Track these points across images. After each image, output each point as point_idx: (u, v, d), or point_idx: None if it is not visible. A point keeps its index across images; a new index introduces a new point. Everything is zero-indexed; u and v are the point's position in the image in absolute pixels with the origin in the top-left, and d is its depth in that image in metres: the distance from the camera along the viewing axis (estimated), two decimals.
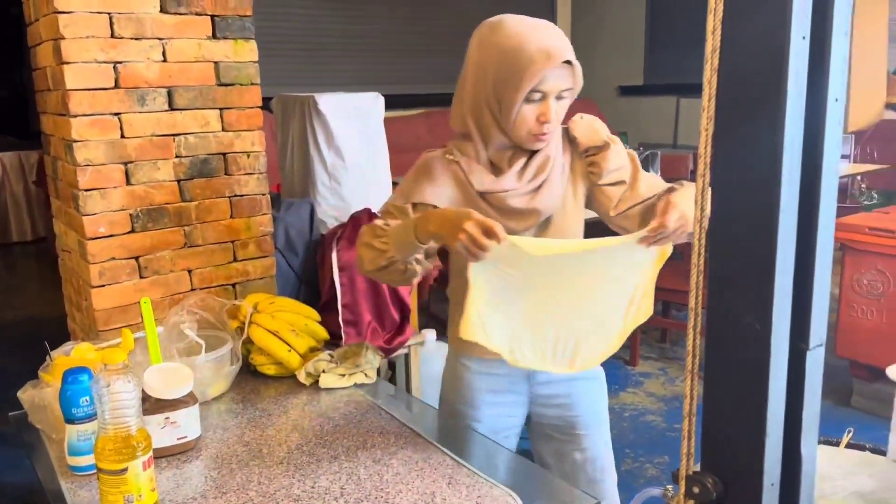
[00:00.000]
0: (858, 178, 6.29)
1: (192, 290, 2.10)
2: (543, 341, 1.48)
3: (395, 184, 5.80)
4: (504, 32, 1.43)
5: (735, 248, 0.83)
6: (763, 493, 0.85)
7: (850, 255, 3.20)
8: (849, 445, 1.62)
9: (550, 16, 8.04)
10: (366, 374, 1.81)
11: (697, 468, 0.89)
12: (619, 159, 1.55)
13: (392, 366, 3.18)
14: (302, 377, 1.80)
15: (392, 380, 3.18)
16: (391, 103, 6.81)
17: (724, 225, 0.84)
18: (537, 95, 1.42)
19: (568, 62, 1.41)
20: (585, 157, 1.56)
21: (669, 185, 1.55)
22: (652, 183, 1.57)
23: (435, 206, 1.49)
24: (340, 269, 2.76)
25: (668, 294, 3.79)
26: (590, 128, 1.56)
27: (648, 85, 8.14)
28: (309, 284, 2.88)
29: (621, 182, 1.55)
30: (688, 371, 0.89)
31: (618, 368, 3.88)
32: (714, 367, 0.87)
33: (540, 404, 1.71)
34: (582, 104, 7.76)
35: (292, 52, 6.25)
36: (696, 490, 0.87)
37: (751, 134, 0.79)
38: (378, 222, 1.53)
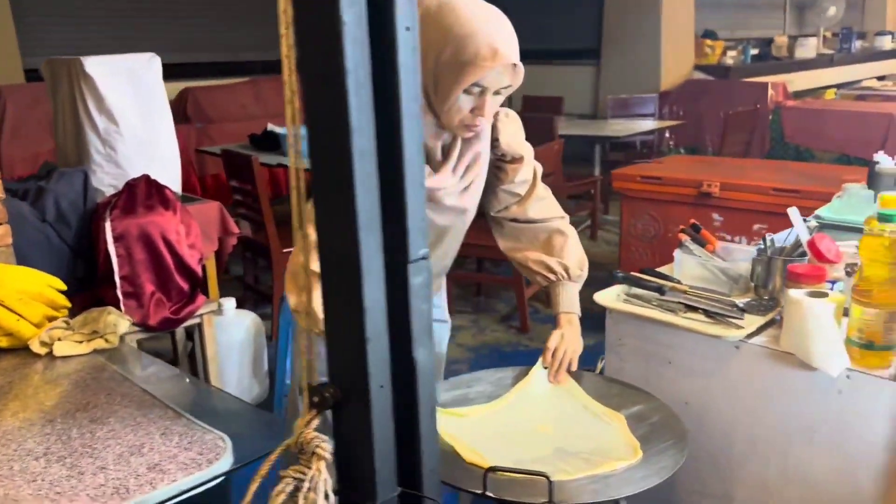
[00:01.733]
0: (667, 135, 6.74)
1: None
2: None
3: (203, 152, 5.56)
4: (456, 14, 1.37)
5: (327, 183, 0.87)
6: (372, 395, 0.90)
7: (626, 202, 3.44)
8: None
9: None
10: (106, 340, 1.77)
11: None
12: (526, 174, 1.63)
13: (191, 335, 3.12)
14: (35, 346, 1.73)
15: (193, 350, 3.12)
16: (216, 72, 6.54)
17: (317, 164, 0.87)
18: (477, 89, 1.39)
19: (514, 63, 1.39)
20: (497, 160, 1.60)
21: (556, 217, 1.71)
22: (542, 207, 1.68)
23: None
24: (115, 240, 2.65)
25: (482, 250, 3.92)
26: (514, 135, 1.60)
27: None
28: (84, 258, 2.76)
29: (517, 195, 1.65)
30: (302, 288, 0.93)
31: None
32: (327, 285, 0.92)
33: None
34: None
35: (104, 18, 5.89)
36: (316, 399, 0.92)
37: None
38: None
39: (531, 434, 1.46)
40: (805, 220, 2.11)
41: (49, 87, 3.00)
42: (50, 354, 1.73)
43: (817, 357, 1.47)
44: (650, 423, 1.48)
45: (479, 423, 1.48)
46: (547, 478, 1.18)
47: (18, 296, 1.75)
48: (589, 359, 1.72)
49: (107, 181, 2.89)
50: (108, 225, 2.65)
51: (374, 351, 0.90)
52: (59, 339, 1.73)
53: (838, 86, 8.09)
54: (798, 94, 7.28)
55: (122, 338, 1.82)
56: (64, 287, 1.92)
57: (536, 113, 5.73)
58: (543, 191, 1.72)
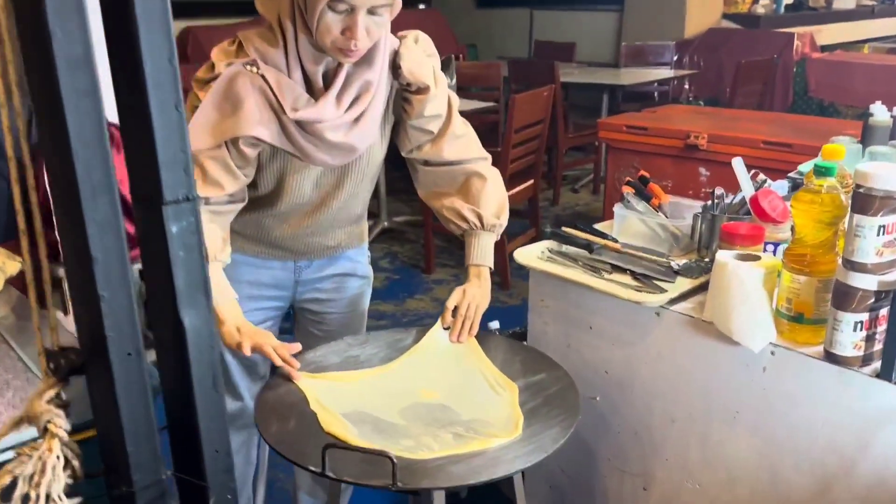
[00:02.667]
0: (686, 86, 6.40)
1: None
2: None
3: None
4: None
5: (39, 98, 0.72)
6: (114, 363, 0.77)
7: (612, 153, 3.23)
8: None
9: None
10: None
11: None
12: (437, 107, 1.44)
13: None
14: None
15: None
16: (218, 10, 6.34)
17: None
18: (343, 6, 1.23)
19: None
20: (402, 91, 1.42)
21: (475, 158, 1.53)
22: (459, 147, 1.50)
23: (256, 139, 1.31)
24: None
25: None
26: (417, 62, 1.40)
27: None
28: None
29: (429, 132, 1.47)
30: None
31: (412, 276, 3.85)
32: (66, 248, 0.77)
33: (303, 300, 1.67)
34: (430, 16, 7.55)
35: None
36: (52, 366, 0.79)
37: None
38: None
39: (412, 401, 1.32)
40: (790, 177, 1.91)
41: None
42: None
43: (738, 329, 1.29)
44: (547, 394, 1.32)
45: (358, 390, 1.34)
46: (390, 458, 1.04)
47: None
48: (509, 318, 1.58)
49: None
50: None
51: (112, 310, 0.75)
52: None
53: (877, 39, 7.61)
54: (830, 48, 6.85)
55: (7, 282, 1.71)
56: None
57: (547, 59, 5.47)
58: (461, 127, 1.53)
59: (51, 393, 0.78)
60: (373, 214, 4.46)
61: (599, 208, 4.83)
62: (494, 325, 2.33)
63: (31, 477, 0.75)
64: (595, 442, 1.61)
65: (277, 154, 1.40)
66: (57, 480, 0.76)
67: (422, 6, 7.83)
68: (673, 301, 1.45)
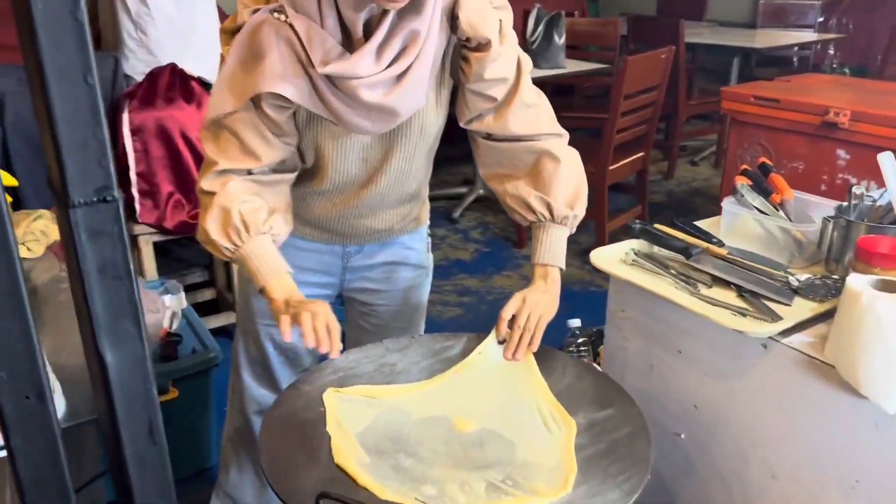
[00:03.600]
0: (831, 51, 5.75)
1: None
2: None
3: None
4: None
5: None
6: (12, 407, 0.60)
7: (735, 127, 2.83)
8: None
9: None
10: (28, 248, 1.56)
11: None
12: (501, 69, 1.20)
13: None
14: None
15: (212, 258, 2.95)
16: None
17: None
18: None
19: None
20: (461, 49, 1.20)
21: (547, 134, 1.28)
22: (528, 119, 1.25)
23: (279, 98, 1.11)
24: (132, 134, 2.46)
25: None
26: (479, 12, 1.17)
27: None
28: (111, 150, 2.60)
29: (491, 98, 1.23)
30: None
31: (503, 250, 3.61)
32: None
33: (352, 289, 1.49)
34: None
35: None
36: None
37: None
38: (216, 169, 1.18)
39: (444, 431, 1.10)
40: None
41: None
42: None
43: (868, 380, 0.99)
44: (612, 438, 1.07)
45: (387, 410, 1.14)
46: None
47: None
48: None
49: (139, 68, 2.69)
50: (125, 117, 2.45)
51: (4, 345, 0.58)
52: None
53: None
54: None
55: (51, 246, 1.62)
56: (14, 183, 1.73)
57: (673, 17, 4.99)
58: (531, 96, 1.27)
59: None
60: (468, 181, 4.23)
61: (719, 185, 4.40)
62: (574, 322, 2.08)
63: None
64: (675, 484, 1.34)
65: (313, 119, 1.20)
66: None
67: None
68: (787, 332, 1.15)
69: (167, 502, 0.69)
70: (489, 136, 1.30)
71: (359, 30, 1.11)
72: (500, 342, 1.25)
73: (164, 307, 2.12)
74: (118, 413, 0.64)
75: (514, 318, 1.25)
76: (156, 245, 2.59)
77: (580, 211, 1.31)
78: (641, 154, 3.52)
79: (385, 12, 1.10)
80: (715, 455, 1.27)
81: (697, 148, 5.06)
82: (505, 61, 1.22)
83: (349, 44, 1.12)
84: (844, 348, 1.03)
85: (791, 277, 1.28)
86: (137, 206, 2.49)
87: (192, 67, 2.58)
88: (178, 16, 2.68)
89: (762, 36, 4.97)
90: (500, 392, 1.18)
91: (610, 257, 1.38)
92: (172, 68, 2.56)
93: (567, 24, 4.31)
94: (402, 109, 1.15)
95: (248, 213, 1.17)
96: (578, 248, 3.51)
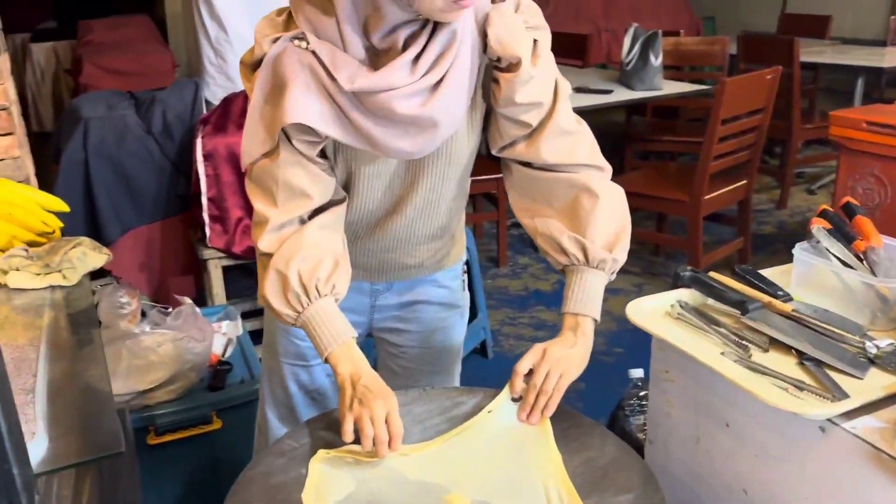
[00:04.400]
0: None
1: None
2: None
3: None
4: None
5: None
6: None
7: (845, 155, 2.54)
8: None
9: None
10: (64, 276, 1.56)
11: None
12: (534, 92, 1.10)
13: None
14: None
15: None
16: None
17: None
18: None
19: None
20: (492, 69, 1.12)
21: (586, 165, 1.15)
22: (564, 147, 1.14)
23: (313, 131, 1.05)
24: (205, 158, 2.48)
25: (660, 203, 3.24)
26: (510, 30, 1.07)
27: None
28: (186, 175, 2.64)
29: (524, 124, 1.13)
30: None
31: None
32: None
33: (381, 329, 1.41)
34: None
35: None
36: None
37: None
38: (269, 251, 1.11)
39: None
40: None
41: None
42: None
43: None
44: None
45: (373, 477, 1.02)
46: None
47: None
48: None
49: (219, 94, 2.73)
50: (198, 142, 2.48)
51: None
52: (17, 269, 1.56)
53: None
54: None
55: (93, 275, 1.62)
56: (65, 209, 1.75)
57: (793, 34, 4.65)
58: (569, 122, 1.14)
59: None
60: None
61: None
62: (637, 373, 1.88)
63: None
64: None
65: (341, 147, 1.12)
66: None
67: None
68: (852, 413, 0.95)
69: None
70: (522, 163, 1.18)
71: (397, 46, 1.02)
72: (515, 400, 1.11)
73: (219, 334, 2.11)
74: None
75: (531, 374, 1.10)
76: (227, 268, 2.60)
77: (620, 256, 1.16)
78: (744, 182, 3.25)
79: (420, 29, 1.02)
80: None
81: (816, 175, 4.66)
82: (539, 84, 1.10)
83: (377, 62, 1.03)
84: None
85: (869, 343, 1.06)
86: (208, 231, 2.51)
87: None
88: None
89: (893, 54, 4.53)
90: (506, 461, 1.04)
91: (653, 310, 1.21)
92: (246, 94, 2.58)
93: (672, 43, 4.09)
94: (443, 119, 1.04)
95: (307, 274, 1.09)
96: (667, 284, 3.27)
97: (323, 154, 1.13)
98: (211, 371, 2.00)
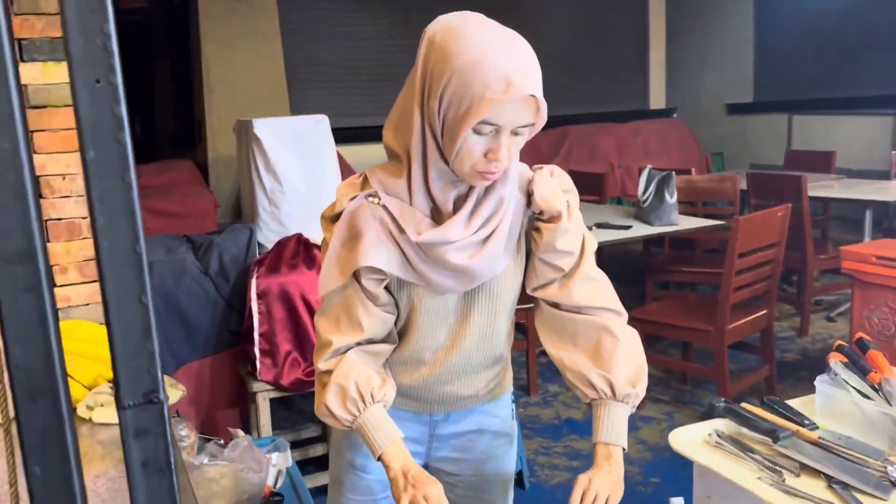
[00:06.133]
0: None
1: None
2: None
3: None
4: (461, 40, 1.17)
5: None
6: None
7: (859, 288, 2.70)
8: None
9: (643, 28, 7.60)
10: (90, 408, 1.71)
11: None
12: (569, 243, 1.31)
13: None
14: (81, 410, 1.72)
15: None
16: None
17: None
18: (489, 129, 1.17)
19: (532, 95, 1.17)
20: (534, 219, 1.33)
21: (607, 309, 1.34)
22: (590, 290, 1.34)
23: (375, 270, 1.24)
24: (258, 297, 2.68)
25: (686, 333, 3.38)
26: (551, 191, 1.31)
27: (758, 102, 7.43)
28: (239, 312, 2.83)
29: (558, 268, 1.33)
30: None
31: None
32: None
33: (438, 458, 1.54)
34: (674, 125, 7.27)
35: (352, 84, 6.23)
36: None
37: None
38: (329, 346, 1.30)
39: None
40: None
41: (236, 145, 3.19)
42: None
43: None
44: None
45: None
46: None
47: (73, 356, 1.77)
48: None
49: (271, 238, 2.96)
50: (253, 282, 2.69)
51: None
52: (102, 405, 1.71)
53: None
54: None
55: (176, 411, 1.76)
56: None
57: (797, 171, 4.91)
58: (594, 270, 1.34)
59: None
60: None
61: None
62: (678, 501, 1.95)
63: None
64: None
65: (403, 286, 1.31)
66: None
67: (674, 115, 7.59)
68: None
69: None
70: (553, 305, 1.35)
71: (450, 205, 1.23)
72: None
73: (270, 465, 2.21)
74: None
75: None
76: (275, 400, 2.73)
77: (641, 391, 1.31)
78: (765, 312, 3.39)
79: (471, 189, 1.23)
80: None
81: (834, 302, 4.79)
82: (573, 236, 1.30)
83: (438, 218, 1.24)
84: None
85: (891, 468, 1.18)
86: (258, 365, 2.67)
87: (317, 236, 2.82)
88: (307, 191, 2.96)
89: None
90: None
91: (691, 439, 1.33)
92: (298, 237, 2.81)
93: (685, 181, 4.35)
94: (482, 272, 1.25)
95: (362, 384, 1.27)
96: (701, 411, 3.35)
97: (388, 290, 1.31)
98: (263, 502, 2.10)
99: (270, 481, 2.19)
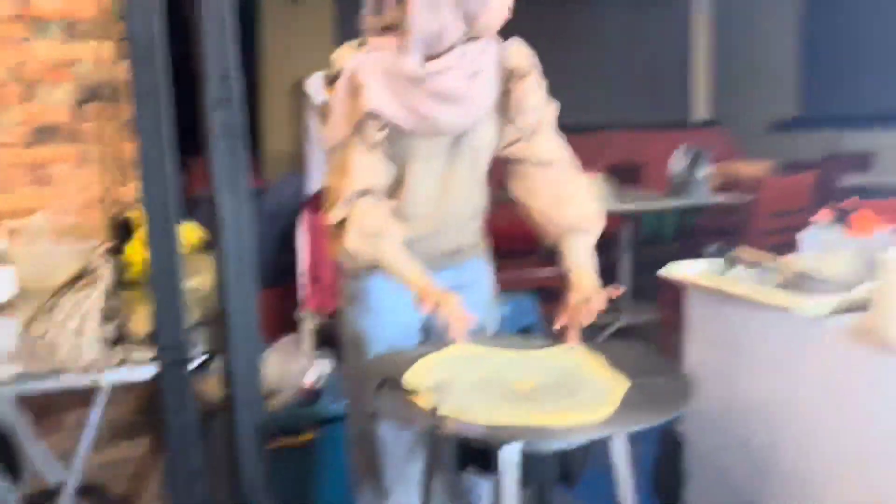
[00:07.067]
0: None
1: None
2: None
3: None
4: None
5: None
6: None
7: None
8: None
9: (685, 43, 7.73)
10: None
11: None
12: (538, 99, 1.52)
13: None
14: None
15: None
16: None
17: None
18: None
19: None
20: (507, 83, 1.51)
21: (570, 162, 1.53)
22: (554, 149, 1.54)
23: (379, 115, 1.38)
24: (307, 232, 2.92)
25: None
26: (522, 51, 1.50)
27: (802, 117, 7.40)
28: (289, 252, 3.06)
29: (526, 128, 1.52)
30: None
31: None
32: None
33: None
34: (713, 136, 7.34)
35: None
36: None
37: None
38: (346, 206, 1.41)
39: (502, 388, 1.24)
40: None
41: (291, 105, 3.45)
42: None
43: None
44: (655, 392, 1.17)
45: (458, 363, 1.32)
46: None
47: None
48: None
49: (317, 186, 3.20)
50: (302, 218, 2.93)
51: None
52: None
53: None
54: None
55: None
56: None
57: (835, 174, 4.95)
58: (557, 140, 1.54)
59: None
60: (615, 309, 4.29)
61: None
62: None
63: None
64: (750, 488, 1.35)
65: (397, 138, 1.44)
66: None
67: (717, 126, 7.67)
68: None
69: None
70: (522, 161, 1.52)
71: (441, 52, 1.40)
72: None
73: (313, 365, 2.41)
74: None
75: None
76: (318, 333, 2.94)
77: (600, 227, 1.49)
78: None
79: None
80: (778, 452, 1.28)
81: None
82: (540, 95, 1.50)
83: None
84: (883, 310, 1.08)
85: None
86: (304, 294, 2.89)
87: None
88: None
89: None
90: (559, 363, 1.33)
91: (684, 270, 1.50)
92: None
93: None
94: (478, 100, 1.42)
95: (378, 220, 1.41)
96: None
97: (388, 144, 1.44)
98: (303, 394, 2.29)
99: (312, 378, 2.38)
